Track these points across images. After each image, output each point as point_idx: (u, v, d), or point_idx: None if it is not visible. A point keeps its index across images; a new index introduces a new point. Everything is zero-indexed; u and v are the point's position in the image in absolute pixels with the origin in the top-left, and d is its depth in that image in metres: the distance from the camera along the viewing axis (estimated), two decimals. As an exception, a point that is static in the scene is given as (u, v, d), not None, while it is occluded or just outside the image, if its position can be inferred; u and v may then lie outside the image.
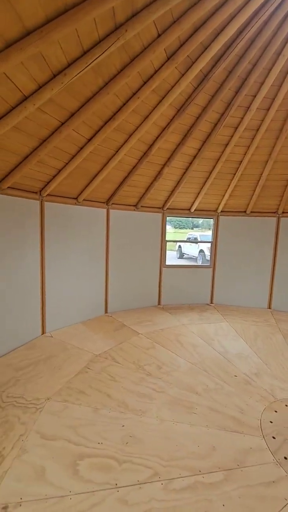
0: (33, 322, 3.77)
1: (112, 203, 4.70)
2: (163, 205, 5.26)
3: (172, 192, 4.89)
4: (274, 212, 5.33)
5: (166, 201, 5.14)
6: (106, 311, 4.96)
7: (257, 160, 4.30)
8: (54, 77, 2.15)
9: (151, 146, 3.69)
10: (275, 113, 3.61)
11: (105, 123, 3.00)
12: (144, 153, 3.80)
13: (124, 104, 2.87)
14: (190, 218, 7.29)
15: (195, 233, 13.87)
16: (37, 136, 2.71)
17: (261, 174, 4.50)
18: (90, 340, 3.81)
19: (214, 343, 3.83)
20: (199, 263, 11.78)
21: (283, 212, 5.27)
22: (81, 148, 3.20)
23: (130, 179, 4.19)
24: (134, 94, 2.81)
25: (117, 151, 3.51)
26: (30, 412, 2.34)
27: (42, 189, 3.60)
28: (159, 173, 4.28)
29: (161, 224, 5.41)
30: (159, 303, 5.59)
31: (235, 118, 3.61)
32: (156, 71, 2.69)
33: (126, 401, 2.54)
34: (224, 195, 5.08)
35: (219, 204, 5.34)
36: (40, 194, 3.66)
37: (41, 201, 3.73)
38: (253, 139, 3.92)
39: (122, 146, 3.44)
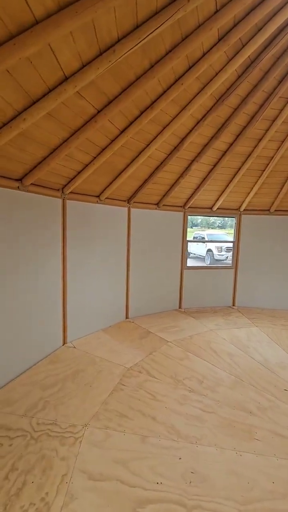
0: (55, 331, 3.45)
1: (134, 202, 4.39)
2: (185, 204, 4.97)
3: (196, 190, 4.60)
4: (236, 209, 5.09)
5: (188, 200, 4.85)
6: (127, 317, 4.67)
7: (290, 156, 4.04)
8: (101, 54, 1.83)
9: (183, 139, 3.38)
10: None
11: (142, 113, 2.69)
12: (175, 147, 3.50)
13: (165, 92, 2.56)
14: (204, 217, 7.00)
15: (202, 232, 13.64)
16: (69, 125, 2.39)
17: (293, 170, 4.24)
18: (116, 351, 3.52)
19: (250, 351, 3.58)
20: (207, 263, 11.55)
21: (244, 210, 5.03)
22: (112, 141, 2.89)
23: (156, 175, 3.88)
24: (177, 80, 2.50)
25: (148, 145, 3.21)
26: (68, 444, 2.04)
27: (65, 186, 3.28)
28: (187, 169, 3.98)
29: (182, 224, 5.12)
30: (180, 306, 5.31)
31: (274, 110, 3.33)
32: (204, 55, 2.39)
33: (175, 425, 2.26)
34: (249, 193, 4.82)
35: (243, 202, 5.07)
36: (63, 192, 3.33)
37: (63, 199, 3.40)
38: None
39: (154, 139, 3.13)
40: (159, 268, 4.93)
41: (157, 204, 4.71)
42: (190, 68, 2.43)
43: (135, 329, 4.23)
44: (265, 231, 5.29)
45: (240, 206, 5.20)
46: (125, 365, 3.17)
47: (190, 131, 3.27)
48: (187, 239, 5.23)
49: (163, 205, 4.71)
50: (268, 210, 5.20)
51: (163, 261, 4.97)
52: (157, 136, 3.10)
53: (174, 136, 3.30)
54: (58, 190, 3.30)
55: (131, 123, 2.76)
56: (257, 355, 3.48)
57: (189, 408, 2.47)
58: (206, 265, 5.48)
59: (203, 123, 3.18)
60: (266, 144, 3.77)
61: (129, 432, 2.17)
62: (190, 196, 4.77)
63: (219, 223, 32.04)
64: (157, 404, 2.52)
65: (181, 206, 5.02)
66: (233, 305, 5.54)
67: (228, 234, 14.46)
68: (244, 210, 5.25)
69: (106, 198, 3.92)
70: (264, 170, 4.25)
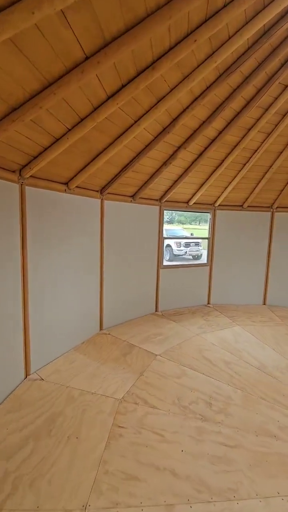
0: (13, 361, 2.58)
1: (108, 193, 3.69)
2: (162, 197, 4.48)
3: (176, 181, 4.15)
4: (269, 207, 5.17)
5: (166, 192, 4.37)
6: (101, 328, 3.98)
7: (272, 150, 3.93)
8: None
9: (175, 120, 2.85)
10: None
11: (139, 74, 2.04)
12: (164, 129, 2.94)
13: (172, 49, 1.97)
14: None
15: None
16: (43, 69, 1.60)
17: (271, 166, 4.17)
18: (99, 376, 2.85)
19: (243, 356, 3.36)
20: (166, 258, 11.43)
21: (277, 207, 5.14)
22: (96, 109, 2.16)
23: (138, 162, 3.26)
24: (189, 34, 1.93)
25: (136, 121, 2.57)
26: None
27: (25, 166, 2.40)
28: (171, 157, 3.48)
29: (158, 219, 4.64)
30: (156, 309, 4.86)
31: (269, 97, 3.07)
32: (225, 6, 1.88)
33: (202, 477, 1.79)
34: (227, 187, 4.62)
35: (219, 197, 4.87)
36: (21, 175, 2.44)
37: (21, 184, 2.51)
38: (277, 125, 3.48)
39: (145, 114, 2.51)
40: (135, 268, 4.36)
41: (132, 196, 4.10)
42: (206, 20, 1.89)
43: (114, 343, 3.60)
44: (237, 226, 5.22)
45: (215, 201, 4.98)
46: (114, 395, 2.55)
47: (185, 109, 2.76)
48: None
49: (139, 197, 4.13)
50: (241, 205, 5.14)
51: (138, 261, 4.42)
52: (149, 110, 2.49)
53: (166, 115, 2.74)
54: (15, 172, 2.40)
55: (123, 86, 2.08)
56: (252, 360, 3.28)
57: (210, 445, 2.03)
58: (182, 263, 5.13)
59: (199, 102, 2.70)
60: (254, 135, 3.54)
61: (148, 503, 1.61)
62: (169, 189, 4.30)
63: (179, 218, 32.39)
64: (170, 448, 2.00)
65: (157, 200, 4.52)
66: (209, 303, 5.38)
67: (184, 230, 14.69)
68: (219, 205, 5.07)
69: (76, 186, 3.13)
70: (245, 164, 4.07)
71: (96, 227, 3.68)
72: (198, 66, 2.26)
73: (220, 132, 3.37)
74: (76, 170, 2.91)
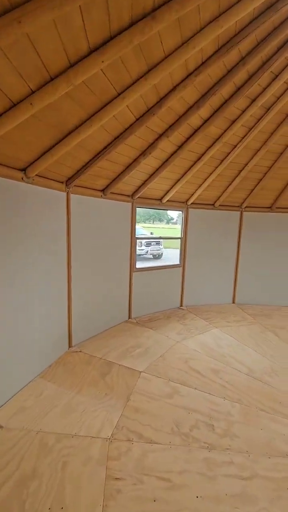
0: None
1: (75, 185, 3.10)
2: (134, 193, 4.06)
3: (152, 175, 3.77)
4: (238, 206, 5.21)
5: (140, 187, 3.96)
6: (70, 345, 3.36)
7: (250, 147, 3.87)
8: None
9: (162, 99, 2.46)
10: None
11: (133, 23, 1.58)
12: (149, 109, 2.53)
13: (173, -2, 1.57)
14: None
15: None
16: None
17: (247, 164, 4.13)
18: (76, 409, 2.29)
19: (229, 361, 3.17)
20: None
21: (246, 207, 5.22)
22: (73, 65, 1.63)
23: (114, 149, 2.78)
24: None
25: (121, 93, 2.10)
26: None
27: None
28: (151, 145, 3.09)
29: (130, 217, 4.20)
30: (130, 316, 4.42)
31: (259, 87, 2.93)
32: None
33: (229, 532, 1.44)
34: (202, 184, 4.45)
35: (192, 194, 4.68)
36: None
37: None
38: (260, 119, 3.40)
39: (132, 85, 2.06)
40: (106, 273, 3.85)
41: (103, 190, 3.58)
42: None
43: (88, 363, 3.04)
44: (208, 226, 5.13)
45: (188, 199, 4.78)
46: (101, 434, 2.04)
47: (175, 87, 2.39)
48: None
49: (110, 192, 3.63)
50: (213, 204, 5.06)
51: (110, 264, 3.91)
52: (137, 80, 2.05)
53: (154, 91, 2.33)
54: None
55: (112, 38, 1.60)
56: (239, 365, 3.11)
57: (224, 482, 1.71)
58: (156, 265, 4.80)
59: (191, 80, 2.37)
60: (237, 129, 3.39)
61: None
62: (143, 183, 3.91)
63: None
64: (182, 496, 1.61)
65: (129, 196, 4.08)
66: (181, 306, 5.17)
67: (143, 228, 14.46)
68: (191, 203, 4.89)
69: (37, 175, 2.49)
70: (223, 160, 3.93)
71: (62, 227, 3.05)
72: (201, 29, 1.90)
73: (205, 122, 3.11)
74: (39, 151, 2.28)
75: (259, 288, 5.40)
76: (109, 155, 2.88)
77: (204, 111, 2.93)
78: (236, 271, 5.39)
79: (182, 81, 2.36)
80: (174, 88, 2.39)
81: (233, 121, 3.24)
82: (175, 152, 3.44)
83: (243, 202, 5.11)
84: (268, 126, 3.57)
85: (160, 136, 3.01)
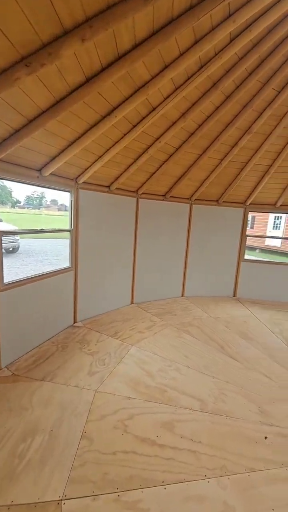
0: None
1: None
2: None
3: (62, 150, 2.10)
4: (134, 192, 4.44)
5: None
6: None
7: (158, 125, 3.04)
8: None
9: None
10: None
11: None
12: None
13: None
14: None
15: None
16: None
17: (153, 143, 3.32)
18: None
19: (177, 399, 2.38)
20: None
21: (142, 193, 4.53)
22: None
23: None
24: None
25: None
26: None
27: None
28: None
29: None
30: None
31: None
32: None
33: None
34: (101, 157, 3.19)
35: (87, 170, 3.33)
36: None
37: None
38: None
39: None
40: None
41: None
42: None
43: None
44: (104, 213, 4.00)
45: (79, 176, 3.38)
46: None
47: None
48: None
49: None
50: (108, 187, 3.95)
51: None
52: None
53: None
54: None
55: None
56: (189, 400, 2.39)
57: None
58: (35, 275, 3.13)
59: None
60: (140, 108, 2.42)
61: None
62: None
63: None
64: None
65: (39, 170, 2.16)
66: (76, 322, 3.83)
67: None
68: (82, 183, 3.52)
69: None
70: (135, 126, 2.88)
71: None
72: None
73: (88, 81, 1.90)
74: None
75: (154, 284, 5.04)
76: None
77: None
78: (134, 267, 4.69)
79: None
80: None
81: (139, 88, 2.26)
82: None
83: (138, 189, 4.37)
84: (172, 113, 2.90)
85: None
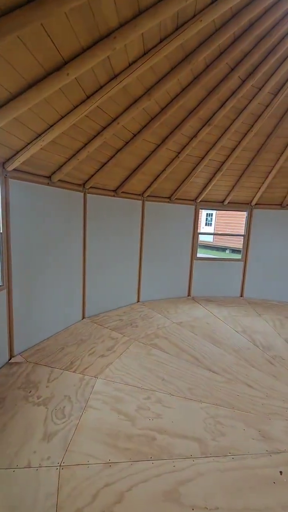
0: None
1: None
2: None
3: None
4: (80, 185, 3.66)
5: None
6: None
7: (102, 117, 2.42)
8: None
9: None
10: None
11: None
12: None
13: None
14: None
15: None
16: None
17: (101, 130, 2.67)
18: None
19: (163, 446, 1.90)
20: None
21: (91, 187, 3.80)
22: None
23: None
24: None
25: None
26: None
27: None
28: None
29: None
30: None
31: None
32: None
33: None
34: (40, 136, 2.35)
35: (18, 152, 2.43)
36: None
37: None
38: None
39: None
40: None
41: None
42: None
43: None
44: (41, 213, 3.12)
45: (7, 161, 2.45)
46: None
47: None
48: None
49: None
50: (49, 177, 3.08)
51: None
52: None
53: None
54: None
55: None
56: (182, 442, 1.95)
57: None
58: None
59: None
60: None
61: None
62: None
63: None
64: None
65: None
66: (13, 357, 2.87)
67: None
68: (13, 170, 2.58)
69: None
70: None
71: None
72: None
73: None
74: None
75: (107, 292, 4.39)
76: None
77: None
78: (84, 275, 3.92)
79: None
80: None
81: (103, 38, 1.66)
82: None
83: (85, 182, 3.63)
84: (136, 86, 2.37)
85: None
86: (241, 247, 5.49)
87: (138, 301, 4.91)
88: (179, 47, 2.17)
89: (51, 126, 2.33)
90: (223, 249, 13.94)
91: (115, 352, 3.13)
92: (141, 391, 2.47)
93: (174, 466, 1.75)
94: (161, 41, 1.99)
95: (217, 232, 14.36)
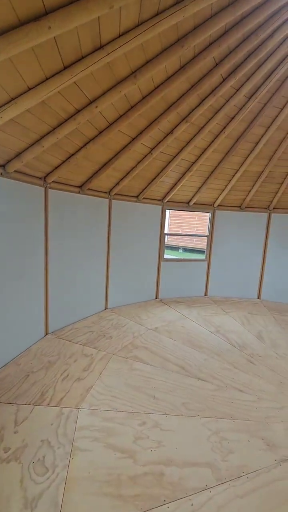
0: None
1: None
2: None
3: None
4: (41, 178, 3.09)
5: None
6: None
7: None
8: None
9: None
10: None
11: None
12: None
13: None
14: None
15: None
16: None
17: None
18: None
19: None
20: None
21: (53, 182, 3.24)
22: None
23: None
24: None
25: None
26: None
27: None
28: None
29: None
30: None
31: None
32: None
33: None
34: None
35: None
36: None
37: None
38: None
39: None
40: None
41: None
42: None
43: None
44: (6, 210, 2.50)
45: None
46: None
47: None
48: None
49: None
50: (3, 166, 2.47)
51: None
52: None
53: None
54: None
55: None
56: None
57: None
58: None
59: None
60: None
61: None
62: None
63: None
64: None
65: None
66: None
67: None
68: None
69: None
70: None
71: None
72: None
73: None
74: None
75: (73, 301, 3.88)
76: None
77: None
78: (46, 282, 3.36)
79: None
80: None
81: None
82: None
83: (50, 173, 3.09)
84: (121, 64, 2.07)
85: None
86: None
87: (106, 308, 4.52)
88: (174, 26, 1.94)
89: (13, 99, 1.81)
90: (177, 248, 14.40)
91: (93, 372, 2.73)
92: (133, 416, 2.16)
93: (192, 505, 1.52)
94: (158, 13, 1.71)
95: (170, 232, 14.77)
